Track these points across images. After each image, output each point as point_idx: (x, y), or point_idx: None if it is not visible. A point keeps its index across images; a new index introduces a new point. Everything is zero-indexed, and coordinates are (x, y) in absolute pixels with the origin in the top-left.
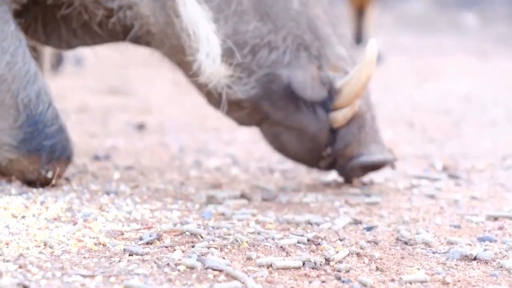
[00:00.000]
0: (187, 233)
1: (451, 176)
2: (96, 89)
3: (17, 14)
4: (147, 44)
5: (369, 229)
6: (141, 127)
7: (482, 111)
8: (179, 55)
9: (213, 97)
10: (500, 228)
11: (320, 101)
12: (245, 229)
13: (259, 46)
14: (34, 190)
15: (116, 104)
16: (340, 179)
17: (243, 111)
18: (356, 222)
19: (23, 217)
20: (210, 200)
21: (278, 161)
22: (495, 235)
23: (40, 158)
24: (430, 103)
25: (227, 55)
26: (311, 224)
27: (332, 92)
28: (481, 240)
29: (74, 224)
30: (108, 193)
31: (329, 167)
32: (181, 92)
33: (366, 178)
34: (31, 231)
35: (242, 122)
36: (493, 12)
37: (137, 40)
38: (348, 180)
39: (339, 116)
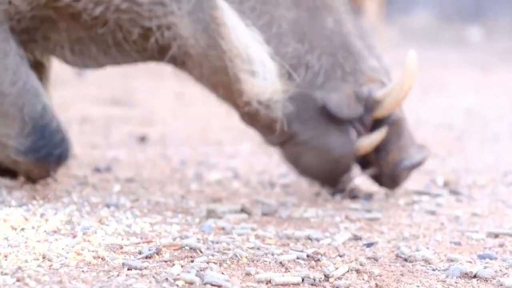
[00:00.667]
0: (186, 247)
1: (452, 192)
2: (98, 99)
3: (29, 32)
4: (182, 64)
5: (369, 245)
6: (143, 138)
7: (485, 126)
8: (219, 75)
9: (247, 117)
10: (501, 245)
11: (357, 117)
12: (244, 244)
13: (296, 66)
14: (34, 202)
15: (119, 115)
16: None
17: (272, 129)
18: (356, 238)
19: (23, 229)
20: (210, 214)
21: (279, 175)
22: (495, 253)
23: (49, 165)
24: (433, 117)
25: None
26: (311, 239)
27: (369, 105)
28: (481, 257)
29: (74, 237)
30: (108, 205)
31: (374, 178)
32: (184, 103)
33: (368, 193)
34: (30, 243)
35: (273, 142)
36: (498, 25)
37: (171, 60)
38: (393, 186)
39: (366, 143)
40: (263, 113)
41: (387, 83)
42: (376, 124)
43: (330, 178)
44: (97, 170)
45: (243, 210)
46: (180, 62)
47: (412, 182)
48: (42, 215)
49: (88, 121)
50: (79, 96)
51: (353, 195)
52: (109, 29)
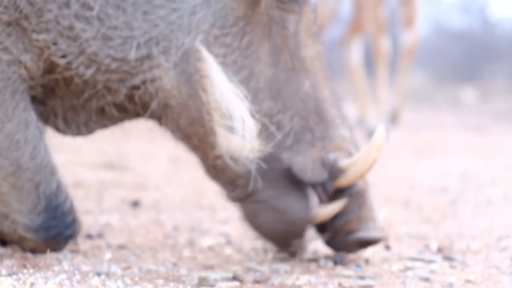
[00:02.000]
0: None
1: (446, 258)
2: (92, 163)
3: (38, 102)
4: (160, 118)
5: None
6: (136, 204)
7: (479, 190)
8: (196, 126)
9: (214, 170)
10: None
11: (320, 182)
12: None
13: (267, 125)
14: (25, 270)
15: (112, 179)
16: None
17: (234, 185)
18: None
19: None
20: (202, 282)
21: None
22: None
23: (58, 244)
24: (427, 181)
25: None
26: None
27: (333, 172)
28: None
29: None
30: (99, 274)
31: (327, 242)
32: (177, 167)
33: (360, 259)
34: None
35: (236, 198)
36: (492, 87)
37: (150, 115)
38: (337, 251)
39: (323, 213)
40: (231, 169)
41: (354, 154)
42: (338, 192)
43: (283, 240)
44: (89, 236)
45: (235, 278)
46: (159, 115)
47: (406, 247)
48: (32, 284)
49: (82, 186)
50: (73, 161)
51: (338, 260)
52: (99, 92)
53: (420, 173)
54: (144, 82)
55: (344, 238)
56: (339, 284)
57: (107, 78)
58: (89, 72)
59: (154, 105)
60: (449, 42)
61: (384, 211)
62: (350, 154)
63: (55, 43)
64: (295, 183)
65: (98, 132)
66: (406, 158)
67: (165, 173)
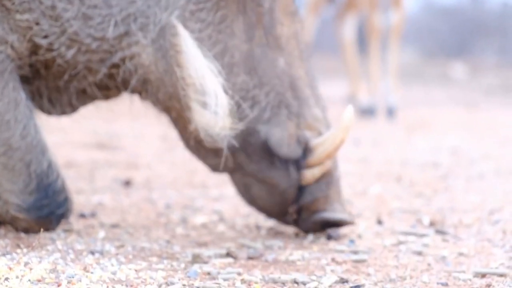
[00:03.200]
0: None
1: (438, 231)
2: (83, 144)
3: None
4: (140, 92)
5: None
6: (128, 183)
7: (470, 165)
8: (173, 101)
9: (193, 143)
10: (488, 285)
11: (294, 158)
12: None
13: (243, 99)
14: (18, 250)
15: (104, 159)
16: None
17: (218, 159)
18: (343, 280)
19: (7, 279)
20: (196, 259)
21: (265, 218)
22: None
23: (50, 223)
24: (418, 157)
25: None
26: (297, 283)
27: (306, 151)
28: None
29: (58, 286)
30: (93, 252)
31: (293, 221)
32: (168, 146)
33: (353, 234)
34: None
35: (216, 169)
36: (482, 62)
37: (131, 91)
38: (305, 231)
39: (309, 175)
40: (209, 143)
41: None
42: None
43: (277, 210)
44: (82, 215)
45: (228, 254)
46: (139, 91)
47: (399, 222)
48: (26, 264)
49: (73, 166)
50: (65, 141)
51: (331, 236)
52: (80, 73)
53: (411, 149)
54: (123, 60)
55: (310, 217)
56: (333, 259)
57: (88, 58)
58: (70, 53)
59: (133, 81)
60: (438, 18)
61: (376, 187)
62: (320, 134)
63: (37, 23)
64: (276, 158)
65: (88, 112)
66: (397, 135)
67: (156, 152)
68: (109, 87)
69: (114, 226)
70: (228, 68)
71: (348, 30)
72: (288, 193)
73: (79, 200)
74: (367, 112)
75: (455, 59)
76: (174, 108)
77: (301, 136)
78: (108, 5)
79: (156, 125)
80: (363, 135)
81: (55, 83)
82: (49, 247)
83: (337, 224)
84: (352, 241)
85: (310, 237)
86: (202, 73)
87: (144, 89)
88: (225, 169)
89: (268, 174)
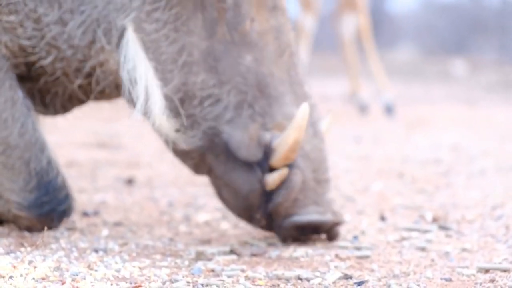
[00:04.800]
0: None
1: (441, 227)
2: (85, 143)
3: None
4: (117, 96)
5: (359, 284)
6: (130, 181)
7: (471, 161)
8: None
9: (169, 145)
10: (492, 280)
11: (255, 161)
12: (234, 286)
13: (205, 98)
14: (22, 249)
15: (105, 158)
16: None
17: (192, 161)
18: (347, 277)
19: (11, 277)
20: (200, 256)
21: None
22: None
23: (52, 220)
24: (419, 154)
25: (177, 106)
26: (301, 279)
27: (268, 152)
28: None
29: (62, 283)
30: (96, 250)
31: (267, 226)
32: None
33: (356, 230)
34: None
35: (193, 170)
36: (481, 60)
37: (109, 95)
38: (284, 240)
39: (269, 179)
40: (177, 145)
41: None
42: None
43: (244, 214)
44: (85, 214)
45: (232, 251)
46: (116, 95)
47: (401, 218)
48: (30, 262)
49: (75, 165)
50: (66, 141)
51: (332, 235)
52: (58, 79)
53: (412, 146)
54: (94, 68)
55: (282, 222)
56: (336, 255)
57: (65, 65)
58: (49, 59)
59: (107, 88)
60: (438, 15)
61: (377, 184)
62: None
63: (21, 25)
64: (239, 160)
65: (89, 112)
66: (397, 132)
67: (157, 150)
68: (90, 93)
69: (117, 224)
70: (187, 67)
71: (347, 27)
72: (252, 198)
73: (82, 199)
74: (365, 109)
75: (455, 56)
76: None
77: (262, 138)
78: (80, 11)
79: None
80: (363, 132)
81: (44, 86)
82: (53, 246)
83: (313, 227)
84: (355, 238)
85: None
86: (139, 74)
87: (119, 93)
88: (201, 171)
89: (231, 177)
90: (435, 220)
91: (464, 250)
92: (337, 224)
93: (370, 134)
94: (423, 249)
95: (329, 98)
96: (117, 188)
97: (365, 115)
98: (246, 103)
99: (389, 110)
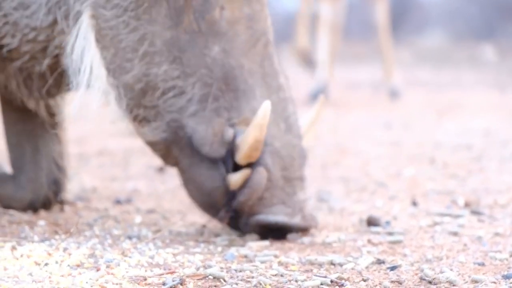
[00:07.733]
0: (210, 277)
1: (473, 212)
2: (116, 132)
3: None
4: None
5: (392, 268)
6: (161, 169)
7: (503, 146)
8: None
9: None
10: None
11: (219, 158)
12: (268, 271)
13: (168, 90)
14: (57, 236)
15: (137, 147)
16: (364, 218)
17: (160, 152)
18: (379, 261)
19: (46, 264)
20: (232, 242)
21: None
22: None
23: None
24: (450, 139)
25: (139, 96)
26: (334, 264)
27: (232, 149)
28: (506, 277)
29: (97, 270)
30: (130, 237)
31: (232, 224)
32: None
33: (389, 216)
34: (54, 278)
35: (164, 162)
36: (510, 44)
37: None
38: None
39: (232, 180)
40: (139, 134)
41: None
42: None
43: (208, 209)
44: (118, 202)
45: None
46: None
47: (433, 203)
48: (65, 249)
49: (107, 154)
50: (97, 130)
51: (372, 223)
52: (28, 62)
53: (443, 132)
54: (59, 48)
55: (248, 220)
56: (369, 241)
57: (31, 48)
58: (15, 43)
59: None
60: (466, 1)
61: (409, 169)
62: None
63: None
64: (203, 155)
65: None
66: (428, 118)
67: None
68: (63, 76)
69: (150, 211)
70: (149, 57)
71: (380, 13)
72: (216, 195)
73: (114, 187)
74: (396, 95)
75: (484, 41)
76: None
77: (226, 134)
78: None
79: None
80: (394, 119)
81: (20, 69)
82: (87, 233)
83: (280, 228)
84: (387, 223)
85: (347, 219)
86: (86, 62)
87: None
88: (169, 162)
89: (195, 172)
90: (467, 205)
91: (496, 234)
92: (305, 229)
93: (401, 120)
94: (455, 233)
95: (359, 85)
96: (149, 176)
97: (396, 101)
98: (211, 96)
99: (394, 94)
